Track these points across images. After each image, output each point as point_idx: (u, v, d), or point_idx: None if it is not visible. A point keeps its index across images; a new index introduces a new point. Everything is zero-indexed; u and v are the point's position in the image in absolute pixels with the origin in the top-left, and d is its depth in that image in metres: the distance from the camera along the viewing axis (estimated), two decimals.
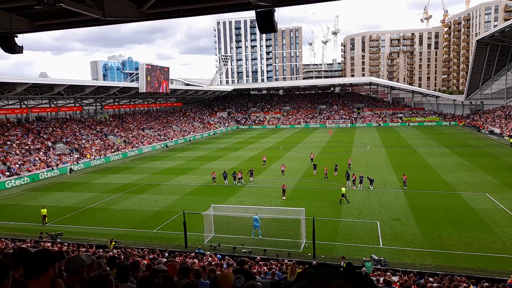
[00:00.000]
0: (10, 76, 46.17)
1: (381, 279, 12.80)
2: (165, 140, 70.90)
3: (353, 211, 26.15)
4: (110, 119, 72.80)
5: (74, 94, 59.44)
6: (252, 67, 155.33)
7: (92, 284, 2.86)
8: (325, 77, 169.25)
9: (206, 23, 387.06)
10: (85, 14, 9.38)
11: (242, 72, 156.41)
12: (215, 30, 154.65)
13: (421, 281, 13.48)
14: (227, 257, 16.96)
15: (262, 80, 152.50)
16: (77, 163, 49.58)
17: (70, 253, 9.69)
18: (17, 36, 10.46)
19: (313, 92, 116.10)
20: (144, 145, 64.87)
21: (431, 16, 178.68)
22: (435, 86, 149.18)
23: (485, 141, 58.55)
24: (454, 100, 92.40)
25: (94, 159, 52.48)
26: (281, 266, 14.51)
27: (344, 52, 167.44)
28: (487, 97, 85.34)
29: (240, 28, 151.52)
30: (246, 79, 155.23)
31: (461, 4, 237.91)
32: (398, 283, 12.83)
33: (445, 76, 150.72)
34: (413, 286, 12.50)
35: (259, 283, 8.52)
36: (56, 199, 33.37)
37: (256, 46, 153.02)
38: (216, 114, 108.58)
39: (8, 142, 47.82)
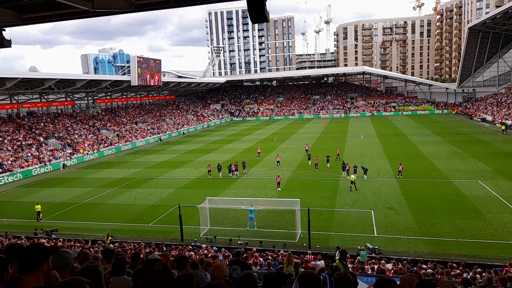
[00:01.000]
0: None
1: (375, 267, 12.96)
2: (159, 134, 70.55)
3: (347, 200, 26.35)
4: (103, 113, 72.16)
5: (65, 88, 58.69)
6: (245, 58, 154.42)
7: (81, 276, 2.86)
8: (318, 67, 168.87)
9: (197, 14, 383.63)
10: (73, 6, 9.20)
11: (235, 64, 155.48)
12: (206, 21, 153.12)
13: (414, 268, 13.67)
14: (223, 249, 17.03)
15: (255, 71, 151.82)
16: (70, 158, 49.21)
17: (65, 248, 9.64)
18: (4, 30, 10.25)
19: (306, 82, 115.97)
20: (137, 139, 64.51)
21: (423, 4, 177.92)
22: (428, 74, 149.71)
23: (477, 128, 59.09)
24: (447, 88, 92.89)
25: (87, 154, 52.12)
26: (277, 257, 14.62)
27: (337, 42, 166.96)
28: (479, 84, 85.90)
29: (232, 18, 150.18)
30: (239, 71, 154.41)
31: None
32: (392, 271, 13.00)
33: (438, 64, 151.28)
34: (407, 273, 12.68)
35: (255, 273, 8.59)
36: (50, 195, 33.17)
37: (248, 37, 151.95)
38: (209, 106, 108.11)
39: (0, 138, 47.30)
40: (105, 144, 57.62)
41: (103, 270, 3.14)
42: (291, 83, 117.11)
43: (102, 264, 5.37)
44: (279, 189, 29.79)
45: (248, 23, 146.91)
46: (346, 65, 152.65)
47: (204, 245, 17.75)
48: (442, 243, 18.88)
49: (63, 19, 11.00)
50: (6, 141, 47.34)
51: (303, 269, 10.46)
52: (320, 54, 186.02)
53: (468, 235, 19.55)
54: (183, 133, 77.28)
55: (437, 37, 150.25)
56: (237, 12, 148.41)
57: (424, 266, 14.01)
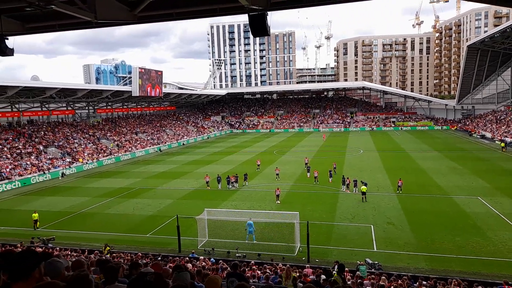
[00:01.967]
0: (1, 79, 45.63)
1: (374, 282, 12.77)
2: (159, 144, 70.55)
3: (347, 215, 26.17)
4: (103, 122, 72.31)
5: (66, 98, 58.95)
6: (245, 71, 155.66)
7: (71, 284, 2.81)
8: (318, 81, 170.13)
9: (200, 27, 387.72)
10: (77, 17, 9.28)
11: (236, 76, 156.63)
12: (208, 34, 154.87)
13: (415, 284, 13.47)
14: (221, 261, 16.82)
15: (256, 84, 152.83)
16: (69, 167, 49.08)
17: (61, 257, 9.50)
18: (7, 39, 10.32)
19: (306, 96, 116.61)
20: (137, 149, 64.47)
21: (423, 21, 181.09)
22: (427, 90, 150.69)
23: (477, 145, 59.14)
24: (446, 105, 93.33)
25: (86, 163, 52.00)
26: (275, 270, 14.42)
27: (337, 57, 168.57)
28: (479, 101, 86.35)
29: (233, 32, 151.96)
30: (240, 83, 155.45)
31: (452, 10, 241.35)
32: (392, 287, 12.81)
33: (437, 81, 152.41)
34: None
35: (253, 286, 8.45)
36: (48, 204, 32.94)
37: (249, 50, 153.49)
38: (210, 118, 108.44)
39: None
40: (105, 154, 57.54)
41: (93, 280, 3.08)
42: (291, 97, 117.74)
43: (97, 274, 5.27)
44: (278, 201, 29.61)
45: (249, 37, 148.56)
46: (346, 80, 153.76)
47: (202, 257, 17.54)
48: (443, 260, 18.66)
49: (66, 29, 11.12)
50: (5, 149, 47.28)
51: (301, 284, 10.30)
52: (321, 68, 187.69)
53: (468, 252, 19.34)
54: (183, 144, 77.30)
55: (436, 54, 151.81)
56: (238, 26, 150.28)
57: (424, 282, 13.81)
